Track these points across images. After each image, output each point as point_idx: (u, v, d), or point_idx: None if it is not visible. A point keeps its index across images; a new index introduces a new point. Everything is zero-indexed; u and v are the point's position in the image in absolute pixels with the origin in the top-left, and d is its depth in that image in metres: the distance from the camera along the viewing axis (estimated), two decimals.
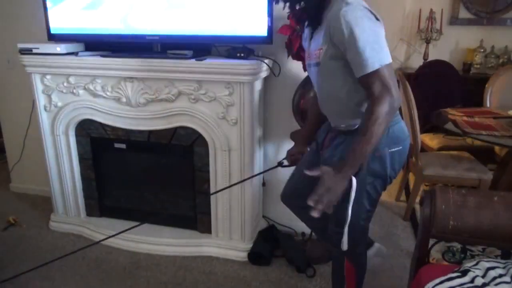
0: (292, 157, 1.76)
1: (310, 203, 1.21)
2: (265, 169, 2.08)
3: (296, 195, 1.60)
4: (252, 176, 1.99)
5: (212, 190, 2.15)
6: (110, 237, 1.75)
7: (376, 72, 1.17)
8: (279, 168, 1.81)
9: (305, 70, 1.91)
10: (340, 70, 1.29)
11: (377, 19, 1.24)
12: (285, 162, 1.80)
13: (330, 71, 1.32)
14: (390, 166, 1.35)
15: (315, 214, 1.20)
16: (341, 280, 1.58)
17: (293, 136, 2.10)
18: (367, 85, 1.20)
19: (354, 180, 1.32)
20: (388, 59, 1.20)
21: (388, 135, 1.32)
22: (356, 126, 1.36)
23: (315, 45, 1.35)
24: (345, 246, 1.37)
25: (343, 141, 1.39)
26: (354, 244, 1.40)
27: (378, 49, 1.19)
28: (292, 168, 1.72)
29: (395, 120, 1.34)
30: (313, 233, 2.19)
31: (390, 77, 1.19)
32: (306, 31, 1.46)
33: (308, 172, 1.26)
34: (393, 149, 1.33)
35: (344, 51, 1.23)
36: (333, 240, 1.47)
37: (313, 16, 1.35)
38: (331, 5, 1.28)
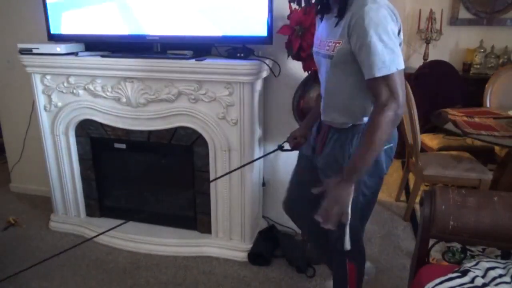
0: (295, 141, 1.71)
1: (319, 218, 1.20)
2: (265, 154, 2.03)
3: (297, 204, 1.62)
4: (253, 161, 1.93)
5: (212, 190, 2.15)
6: (98, 235, 1.75)
7: (389, 77, 1.15)
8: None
9: (305, 70, 1.91)
10: (351, 69, 1.26)
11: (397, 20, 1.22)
12: (286, 146, 1.76)
13: (341, 67, 1.29)
14: (385, 164, 1.37)
15: (329, 227, 1.20)
16: (344, 283, 1.59)
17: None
18: (375, 89, 1.18)
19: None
20: (402, 65, 1.17)
21: None
22: (349, 125, 1.35)
23: (331, 35, 1.29)
24: (347, 245, 1.37)
25: (337, 139, 1.39)
26: (353, 242, 1.41)
27: (397, 53, 1.16)
28: (291, 162, 1.70)
29: None
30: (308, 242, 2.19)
31: (400, 84, 1.16)
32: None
33: (314, 191, 1.24)
34: (386, 147, 1.34)
35: (358, 49, 1.19)
36: (335, 243, 1.48)
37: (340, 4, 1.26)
38: None
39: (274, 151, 1.78)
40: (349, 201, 1.22)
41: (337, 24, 1.27)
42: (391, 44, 1.15)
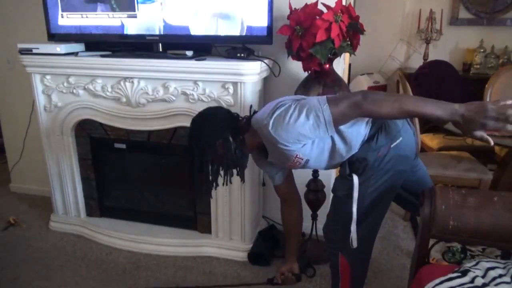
0: (282, 277, 1.81)
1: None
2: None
3: None
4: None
5: (212, 190, 2.15)
6: None
7: (334, 121, 1.25)
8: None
9: (305, 70, 1.91)
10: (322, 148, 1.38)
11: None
12: (275, 280, 1.85)
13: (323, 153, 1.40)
14: (396, 160, 1.39)
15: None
16: (336, 278, 1.60)
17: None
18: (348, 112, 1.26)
19: (355, 178, 1.33)
20: (327, 110, 1.23)
21: (385, 135, 1.38)
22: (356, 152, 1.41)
23: (287, 158, 1.39)
24: (354, 243, 1.40)
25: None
26: (361, 241, 1.43)
27: (315, 117, 1.25)
28: None
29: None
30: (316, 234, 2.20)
31: (342, 109, 1.23)
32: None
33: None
34: (394, 143, 1.38)
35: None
36: (334, 239, 1.48)
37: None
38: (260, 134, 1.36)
39: (263, 283, 1.91)
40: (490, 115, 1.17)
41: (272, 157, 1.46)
42: (311, 118, 1.25)
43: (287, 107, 1.28)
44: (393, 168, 1.40)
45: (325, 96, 1.28)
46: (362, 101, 1.20)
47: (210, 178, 1.45)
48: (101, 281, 2.02)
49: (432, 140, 2.95)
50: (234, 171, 1.47)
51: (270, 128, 1.28)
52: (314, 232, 2.21)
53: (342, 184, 1.45)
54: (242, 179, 1.53)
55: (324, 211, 1.86)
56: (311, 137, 1.29)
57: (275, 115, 1.28)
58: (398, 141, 1.39)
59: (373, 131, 1.39)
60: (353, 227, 1.40)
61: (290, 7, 1.84)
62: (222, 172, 1.46)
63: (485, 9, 3.55)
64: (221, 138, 1.40)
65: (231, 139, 1.41)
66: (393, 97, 1.22)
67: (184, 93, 2.01)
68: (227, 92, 1.95)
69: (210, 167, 1.43)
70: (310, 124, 1.24)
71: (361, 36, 1.82)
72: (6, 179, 3.05)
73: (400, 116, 1.25)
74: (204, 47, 2.12)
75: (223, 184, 1.50)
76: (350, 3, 1.88)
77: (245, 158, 1.49)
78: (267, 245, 2.19)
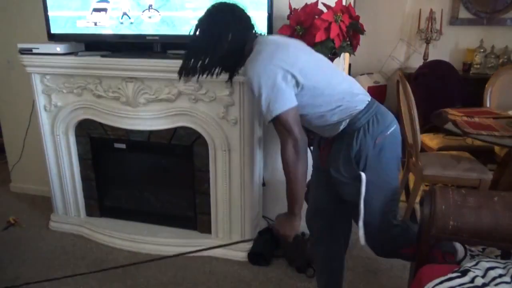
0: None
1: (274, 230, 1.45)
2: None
3: (317, 215, 1.65)
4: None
5: (212, 190, 2.15)
6: None
7: (277, 119, 1.28)
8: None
9: None
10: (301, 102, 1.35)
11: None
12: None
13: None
14: (394, 146, 1.40)
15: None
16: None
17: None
18: (276, 131, 1.33)
19: (363, 175, 1.34)
20: (287, 105, 1.28)
21: (378, 122, 1.37)
22: (340, 129, 1.40)
23: None
24: (362, 240, 1.43)
25: (340, 137, 1.42)
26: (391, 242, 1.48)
27: (280, 97, 1.27)
28: None
29: (375, 106, 1.40)
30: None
31: (293, 120, 1.28)
32: None
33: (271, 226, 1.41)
34: (389, 131, 1.38)
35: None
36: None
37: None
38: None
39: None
40: (293, 233, 1.41)
41: None
42: (271, 93, 1.27)
43: (272, 69, 1.28)
44: (395, 154, 1.41)
45: (291, 108, 1.29)
46: (290, 142, 1.29)
47: (193, 68, 1.39)
48: (101, 281, 2.02)
49: (432, 140, 2.95)
50: (218, 71, 1.44)
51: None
52: None
53: (348, 171, 1.41)
54: (230, 80, 1.56)
55: None
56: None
57: (258, 56, 1.30)
58: (393, 128, 1.39)
59: (366, 119, 1.37)
60: (361, 223, 1.40)
61: (290, 7, 1.84)
62: (206, 66, 1.40)
63: (485, 9, 3.55)
64: (236, 33, 1.37)
65: (241, 40, 1.38)
66: (295, 184, 1.34)
67: (184, 93, 2.01)
68: (227, 92, 1.95)
69: (203, 57, 1.38)
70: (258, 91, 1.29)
71: (361, 36, 1.83)
72: (6, 179, 3.05)
73: (285, 171, 1.34)
74: None
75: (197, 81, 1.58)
76: (350, 3, 1.88)
77: (238, 66, 1.48)
78: (267, 245, 2.19)
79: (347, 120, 1.38)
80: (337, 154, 1.42)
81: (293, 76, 1.29)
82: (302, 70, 1.30)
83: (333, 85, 1.38)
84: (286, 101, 1.28)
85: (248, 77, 1.31)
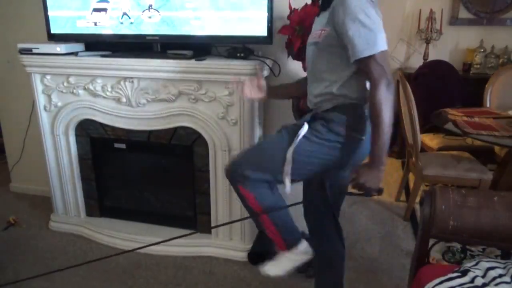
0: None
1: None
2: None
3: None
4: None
5: (212, 190, 2.15)
6: None
7: (374, 57, 1.22)
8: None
9: (305, 70, 1.90)
10: (335, 53, 1.32)
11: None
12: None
13: (327, 50, 1.34)
14: (360, 153, 1.36)
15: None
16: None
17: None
18: (365, 69, 1.25)
19: (305, 125, 1.34)
20: (385, 46, 1.24)
21: (356, 124, 1.34)
22: (329, 107, 1.37)
23: (318, 25, 1.38)
24: (287, 188, 1.34)
25: (322, 118, 1.38)
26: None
27: (379, 35, 1.23)
28: None
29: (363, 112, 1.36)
30: None
31: (386, 64, 1.23)
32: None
33: (352, 186, 1.29)
34: (364, 137, 1.34)
35: (342, 33, 1.25)
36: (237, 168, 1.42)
37: None
38: None
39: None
40: (379, 185, 1.27)
41: (323, 13, 1.37)
42: (373, 26, 1.22)
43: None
44: (343, 151, 1.35)
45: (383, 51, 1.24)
46: (385, 81, 1.22)
47: None
48: (101, 281, 2.02)
49: (432, 140, 2.95)
50: None
51: None
52: None
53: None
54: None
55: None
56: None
57: None
58: (363, 137, 1.35)
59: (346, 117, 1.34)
60: (285, 168, 1.33)
61: (290, 7, 1.84)
62: None
63: (485, 9, 3.55)
64: None
65: None
66: (389, 111, 1.24)
67: (184, 93, 2.01)
68: (227, 92, 1.95)
69: None
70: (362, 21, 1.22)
71: None
72: (6, 179, 3.05)
73: (376, 113, 1.24)
74: (204, 47, 2.12)
75: None
76: None
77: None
78: (267, 245, 2.19)
79: (336, 104, 1.35)
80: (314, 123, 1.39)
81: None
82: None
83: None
84: (383, 42, 1.24)
85: (345, 3, 1.23)
